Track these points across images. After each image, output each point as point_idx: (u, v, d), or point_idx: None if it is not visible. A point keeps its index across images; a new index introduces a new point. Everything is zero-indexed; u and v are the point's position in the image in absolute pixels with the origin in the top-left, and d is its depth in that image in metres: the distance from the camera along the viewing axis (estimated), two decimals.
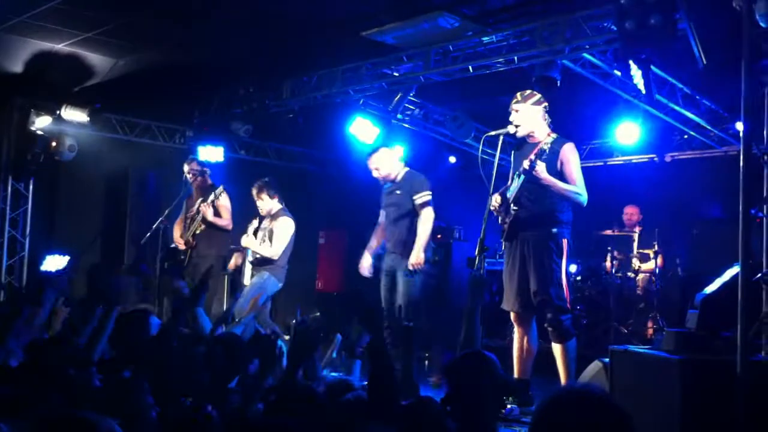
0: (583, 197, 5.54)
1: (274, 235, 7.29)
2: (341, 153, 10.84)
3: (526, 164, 5.36)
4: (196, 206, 7.92)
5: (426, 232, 6.63)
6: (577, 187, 5.52)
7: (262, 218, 7.65)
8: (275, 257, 7.27)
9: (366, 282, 7.10)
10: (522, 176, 5.48)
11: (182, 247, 7.95)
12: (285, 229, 7.31)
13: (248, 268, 7.47)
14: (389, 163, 6.97)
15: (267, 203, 7.45)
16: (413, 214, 6.76)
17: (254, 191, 7.48)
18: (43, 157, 9.19)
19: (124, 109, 9.77)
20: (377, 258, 7.13)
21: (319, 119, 9.66)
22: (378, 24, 7.15)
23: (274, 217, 7.42)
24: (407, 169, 7.01)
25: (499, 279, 5.99)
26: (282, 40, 7.74)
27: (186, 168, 8.37)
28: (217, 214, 7.88)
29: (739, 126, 6.20)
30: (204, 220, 7.83)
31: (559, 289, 5.49)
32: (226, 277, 9.22)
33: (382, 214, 7.12)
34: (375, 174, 7.01)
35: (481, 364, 3.30)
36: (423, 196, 6.74)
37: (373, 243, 7.19)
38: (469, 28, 7.08)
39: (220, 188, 7.91)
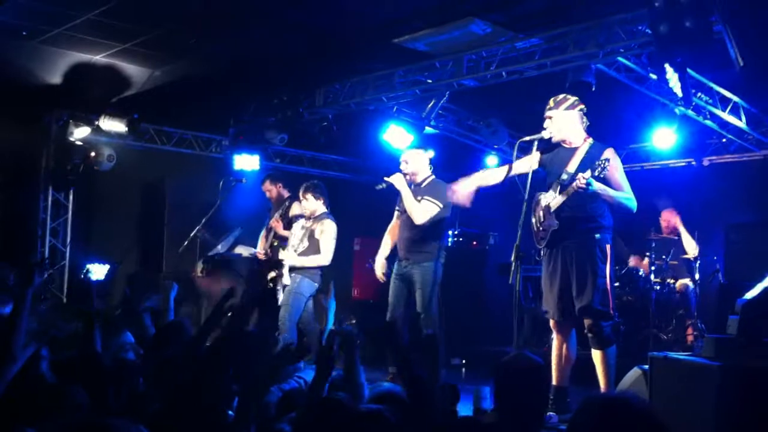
0: (633, 203, 5.36)
1: (321, 242, 7.19)
2: (376, 160, 10.87)
3: (581, 180, 5.05)
4: (272, 221, 8.05)
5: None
6: (626, 192, 5.35)
7: (288, 221, 7.70)
8: (327, 263, 7.20)
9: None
10: (566, 188, 5.29)
11: (262, 257, 8.00)
12: (330, 233, 7.22)
13: (286, 270, 7.42)
14: (420, 162, 6.83)
15: (312, 204, 7.32)
16: (429, 222, 6.63)
17: (300, 191, 7.41)
18: (82, 168, 9.28)
19: (160, 119, 9.88)
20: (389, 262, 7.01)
21: (354, 127, 9.70)
22: (410, 31, 7.17)
23: (317, 219, 7.32)
24: (433, 177, 6.84)
25: (537, 284, 5.92)
26: (315, 49, 7.77)
27: (266, 185, 8.42)
28: (288, 226, 7.88)
29: None
30: (276, 235, 7.91)
31: (603, 295, 5.36)
32: None
33: (396, 215, 6.99)
34: (403, 166, 6.81)
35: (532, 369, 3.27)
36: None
37: (386, 247, 7.07)
38: (501, 34, 7.07)
39: (288, 202, 8.00)
